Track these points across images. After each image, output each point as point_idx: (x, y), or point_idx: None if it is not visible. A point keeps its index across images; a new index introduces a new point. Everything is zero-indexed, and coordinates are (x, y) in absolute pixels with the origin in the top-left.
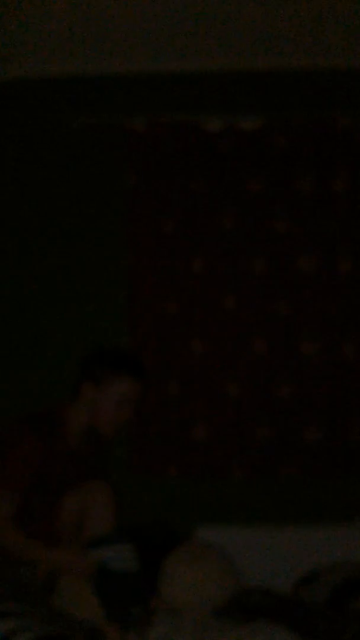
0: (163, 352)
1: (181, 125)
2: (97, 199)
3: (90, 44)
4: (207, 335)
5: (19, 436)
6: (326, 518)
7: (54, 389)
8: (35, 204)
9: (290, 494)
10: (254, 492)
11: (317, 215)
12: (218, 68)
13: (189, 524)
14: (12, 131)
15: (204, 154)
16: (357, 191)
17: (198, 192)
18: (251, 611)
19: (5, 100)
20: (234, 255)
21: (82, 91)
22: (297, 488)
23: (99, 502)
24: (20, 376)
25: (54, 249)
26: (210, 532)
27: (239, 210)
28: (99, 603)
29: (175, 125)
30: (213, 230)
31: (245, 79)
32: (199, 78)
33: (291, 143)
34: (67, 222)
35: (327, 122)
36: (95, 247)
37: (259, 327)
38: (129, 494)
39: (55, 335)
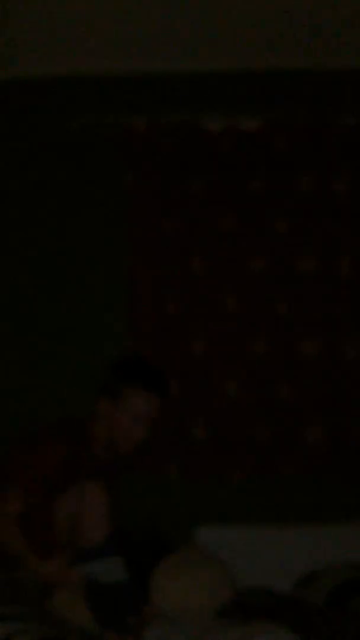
0: (163, 352)
1: (181, 125)
2: (97, 199)
3: (90, 44)
4: (207, 335)
5: (48, 441)
6: (326, 518)
7: (54, 389)
8: (35, 204)
9: (290, 494)
10: (254, 492)
11: (317, 215)
12: (218, 68)
13: (189, 524)
14: (12, 131)
15: (204, 154)
16: (357, 191)
17: (198, 192)
18: (251, 611)
19: (5, 100)
20: (234, 255)
21: (82, 91)
22: (297, 488)
23: (93, 504)
24: (19, 376)
25: (54, 249)
26: (210, 532)
27: (239, 210)
28: (92, 617)
29: (175, 125)
30: (213, 230)
31: (245, 79)
32: (199, 78)
33: (291, 143)
34: (67, 222)
35: (327, 122)
36: (95, 247)
37: (259, 327)
38: (129, 494)
39: (55, 335)
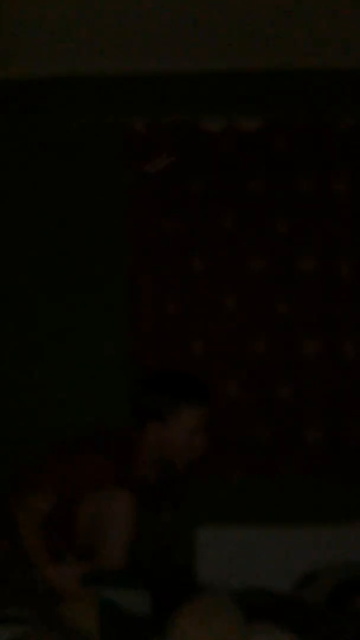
0: (163, 352)
1: (181, 125)
2: (97, 199)
3: (90, 44)
4: (207, 335)
5: (89, 456)
6: (326, 518)
7: (54, 389)
8: (35, 204)
9: (290, 494)
10: (254, 492)
11: (317, 215)
12: (218, 68)
13: (189, 524)
14: (12, 131)
15: (204, 154)
16: (357, 191)
17: (198, 192)
18: (251, 611)
19: (5, 100)
20: (234, 255)
21: (82, 91)
22: (297, 488)
23: (116, 513)
24: (19, 376)
25: (54, 249)
26: (210, 532)
27: (239, 210)
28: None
29: (175, 125)
30: (213, 230)
31: (245, 79)
32: (199, 78)
33: (291, 143)
34: (67, 222)
35: (327, 122)
36: (95, 247)
37: (259, 327)
38: None
39: (55, 335)
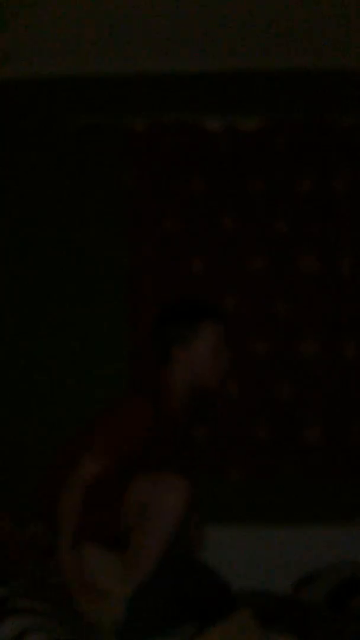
0: None
1: (181, 125)
2: (97, 199)
3: (90, 44)
4: None
5: (132, 405)
6: (326, 518)
7: (55, 389)
8: (36, 204)
9: (290, 494)
10: (254, 492)
11: (318, 215)
12: (218, 68)
13: None
14: (12, 131)
15: (204, 154)
16: (357, 191)
17: (198, 192)
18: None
19: (5, 100)
20: (234, 255)
21: (82, 91)
22: (297, 488)
23: (165, 502)
24: (19, 375)
25: (54, 249)
26: (210, 532)
27: (239, 210)
28: None
29: (175, 125)
30: (213, 230)
31: (245, 79)
32: (199, 78)
33: (291, 143)
34: (67, 222)
35: (327, 122)
36: (95, 247)
37: (259, 327)
38: None
39: (55, 334)
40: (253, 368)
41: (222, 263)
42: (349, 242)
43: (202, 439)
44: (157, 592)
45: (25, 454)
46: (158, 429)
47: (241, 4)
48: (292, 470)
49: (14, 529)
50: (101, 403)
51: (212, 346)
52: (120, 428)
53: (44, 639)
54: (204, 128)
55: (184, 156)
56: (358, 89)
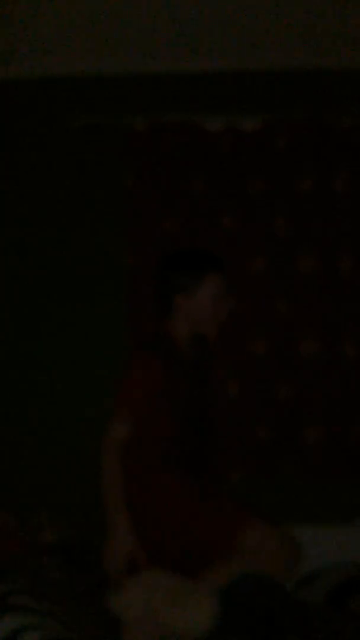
0: None
1: (181, 125)
2: (97, 199)
3: (90, 44)
4: None
5: (140, 361)
6: (326, 518)
7: (55, 388)
8: (35, 204)
9: (290, 494)
10: (254, 492)
11: (317, 215)
12: (218, 68)
13: None
14: (12, 131)
15: (204, 154)
16: (357, 191)
17: (198, 192)
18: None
19: (5, 100)
20: (234, 255)
21: (82, 91)
22: (297, 488)
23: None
24: (19, 375)
25: (54, 249)
26: None
27: (239, 210)
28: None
29: (175, 125)
30: (213, 230)
31: (245, 79)
32: (199, 78)
33: (291, 143)
34: (67, 222)
35: (327, 122)
36: (95, 247)
37: (259, 327)
38: None
39: (55, 334)
40: (253, 368)
41: None
42: (349, 242)
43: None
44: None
45: (25, 454)
46: (169, 378)
47: (241, 4)
48: (292, 470)
49: (14, 526)
50: (101, 403)
51: (213, 295)
52: (136, 385)
53: (39, 637)
54: (204, 128)
55: (184, 156)
56: (358, 89)
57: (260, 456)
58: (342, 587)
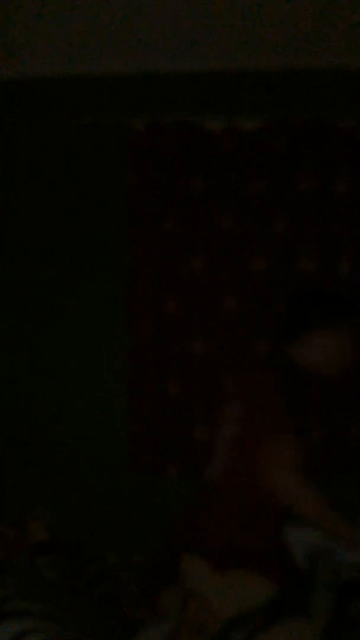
0: (163, 352)
1: (181, 125)
2: (97, 199)
3: (90, 44)
4: (207, 335)
5: (259, 380)
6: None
7: (55, 388)
8: (35, 204)
9: None
10: None
11: (317, 215)
12: (218, 68)
13: None
14: (12, 131)
15: (204, 154)
16: (357, 191)
17: (198, 192)
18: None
19: (5, 100)
20: (234, 255)
21: (82, 91)
22: None
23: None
24: (19, 375)
25: (54, 249)
26: None
27: (239, 210)
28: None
29: (175, 125)
30: (213, 230)
31: (245, 79)
32: (199, 78)
33: (291, 143)
34: (67, 222)
35: (327, 122)
36: (95, 247)
37: (258, 327)
38: (129, 494)
39: (55, 334)
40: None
41: (222, 263)
42: (349, 242)
43: (202, 438)
44: None
45: (25, 454)
46: (288, 391)
47: (241, 4)
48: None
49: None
50: (100, 402)
51: (328, 354)
52: (269, 404)
53: None
54: (204, 128)
55: (184, 156)
56: (358, 89)
57: None
58: (342, 587)
